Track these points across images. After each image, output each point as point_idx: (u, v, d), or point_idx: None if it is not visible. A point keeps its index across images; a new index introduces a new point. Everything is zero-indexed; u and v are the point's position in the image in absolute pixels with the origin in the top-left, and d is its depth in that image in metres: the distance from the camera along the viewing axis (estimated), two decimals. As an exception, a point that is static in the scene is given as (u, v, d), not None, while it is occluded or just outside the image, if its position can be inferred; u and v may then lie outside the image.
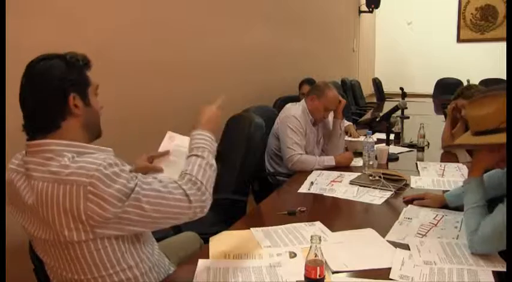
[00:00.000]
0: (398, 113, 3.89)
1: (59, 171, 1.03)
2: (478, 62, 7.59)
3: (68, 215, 1.02)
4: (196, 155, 1.25)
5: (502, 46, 6.15)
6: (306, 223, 1.62)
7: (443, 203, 1.77)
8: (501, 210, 1.29)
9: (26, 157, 1.11)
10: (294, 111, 2.59)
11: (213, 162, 1.27)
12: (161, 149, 1.49)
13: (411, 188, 2.07)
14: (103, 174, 1.01)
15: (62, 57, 1.13)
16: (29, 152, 1.11)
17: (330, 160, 2.44)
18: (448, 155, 2.71)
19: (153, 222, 1.10)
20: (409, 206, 1.81)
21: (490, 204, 1.39)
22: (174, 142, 1.50)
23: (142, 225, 1.09)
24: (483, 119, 1.35)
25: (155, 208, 1.08)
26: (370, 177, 2.12)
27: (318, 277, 1.09)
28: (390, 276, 1.23)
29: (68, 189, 1.01)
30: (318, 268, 1.09)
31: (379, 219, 1.75)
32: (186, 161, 1.25)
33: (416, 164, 2.51)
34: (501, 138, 1.28)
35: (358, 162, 2.51)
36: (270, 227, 1.59)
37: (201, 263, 1.33)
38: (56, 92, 1.09)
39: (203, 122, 1.37)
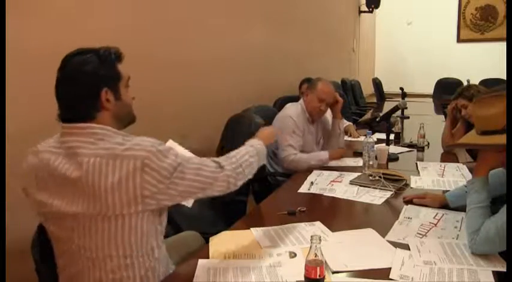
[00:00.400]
0: (398, 113, 3.89)
1: (114, 147, 1.12)
2: (478, 62, 7.59)
3: (122, 187, 1.09)
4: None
5: (502, 46, 6.14)
6: (306, 223, 1.62)
7: (443, 203, 1.77)
8: (504, 212, 1.28)
9: (65, 138, 1.16)
10: (291, 111, 2.60)
11: (255, 153, 1.42)
12: None
13: (411, 188, 2.07)
14: (157, 150, 1.13)
15: (95, 52, 1.18)
16: (68, 133, 1.16)
17: (324, 154, 2.46)
18: (448, 155, 2.71)
19: (193, 192, 1.22)
20: (409, 205, 1.81)
21: (492, 204, 1.39)
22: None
23: (185, 195, 1.21)
24: (490, 119, 1.35)
25: (195, 178, 1.20)
26: (370, 177, 2.12)
27: (318, 277, 1.09)
28: (390, 276, 1.23)
29: (125, 163, 1.09)
30: (318, 268, 1.09)
31: (379, 219, 1.75)
32: None
33: (416, 164, 2.51)
34: None
35: (358, 162, 2.51)
36: (270, 227, 1.59)
37: (201, 263, 1.33)
38: (88, 87, 1.15)
39: (260, 135, 1.59)
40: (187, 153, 1.48)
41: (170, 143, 1.51)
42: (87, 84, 1.15)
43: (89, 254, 1.15)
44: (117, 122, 1.21)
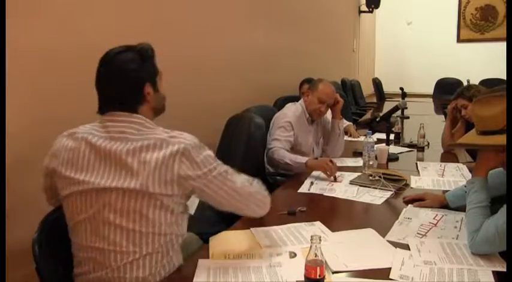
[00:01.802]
0: (399, 113, 3.89)
1: (160, 134, 1.24)
2: (478, 62, 7.59)
3: (163, 165, 1.20)
4: None
5: (502, 46, 6.14)
6: (306, 223, 1.62)
7: (443, 203, 1.77)
8: (504, 212, 1.28)
9: (108, 123, 1.25)
10: (288, 110, 2.62)
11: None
12: None
13: (411, 188, 2.07)
14: (196, 144, 1.25)
15: (135, 50, 1.30)
16: (113, 120, 1.25)
17: (301, 158, 2.33)
18: (448, 155, 2.71)
19: (227, 201, 1.31)
20: (409, 206, 1.81)
21: (492, 204, 1.39)
22: None
23: (220, 198, 1.29)
24: (490, 119, 1.35)
25: (233, 187, 1.30)
26: (370, 177, 2.12)
27: (318, 277, 1.09)
28: (390, 276, 1.24)
29: (170, 146, 1.21)
30: (318, 268, 1.09)
31: (379, 219, 1.75)
32: None
33: (416, 164, 2.51)
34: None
35: (358, 162, 2.51)
36: (270, 227, 1.59)
37: (201, 263, 1.33)
38: (133, 83, 1.27)
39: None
40: None
41: None
42: (133, 81, 1.27)
43: (113, 232, 1.21)
44: (154, 112, 1.33)
